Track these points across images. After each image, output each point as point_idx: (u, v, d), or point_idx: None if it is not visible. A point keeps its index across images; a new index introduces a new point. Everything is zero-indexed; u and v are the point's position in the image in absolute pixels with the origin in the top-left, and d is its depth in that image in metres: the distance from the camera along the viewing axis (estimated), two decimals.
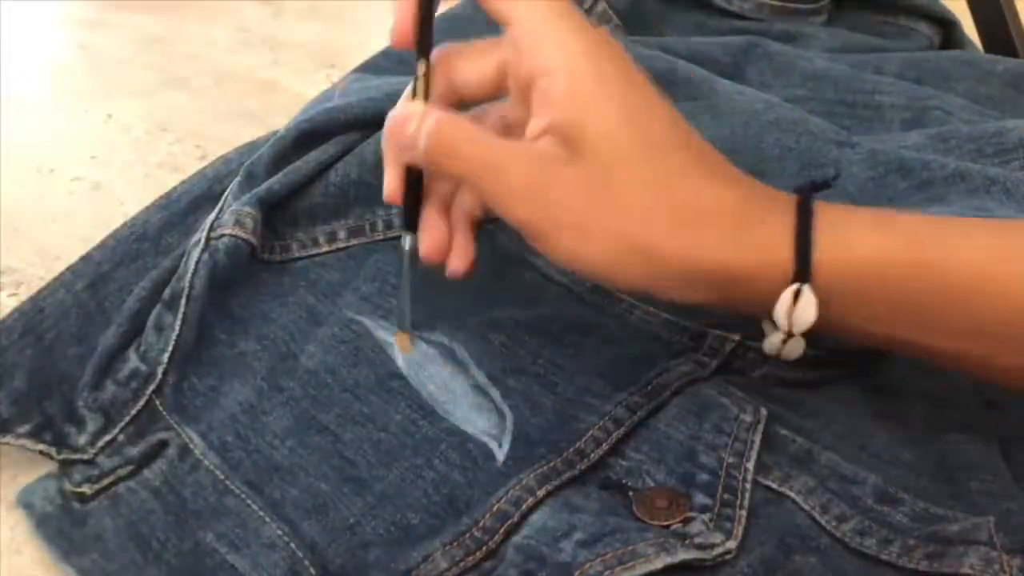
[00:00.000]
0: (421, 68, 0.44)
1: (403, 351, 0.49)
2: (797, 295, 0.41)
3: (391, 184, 0.46)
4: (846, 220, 0.41)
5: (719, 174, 0.42)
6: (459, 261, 0.46)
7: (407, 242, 0.46)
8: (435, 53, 0.44)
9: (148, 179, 0.66)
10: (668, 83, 0.59)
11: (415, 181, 0.45)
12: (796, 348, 0.44)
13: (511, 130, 0.44)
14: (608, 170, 0.41)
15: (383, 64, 0.69)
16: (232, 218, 0.52)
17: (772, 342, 0.44)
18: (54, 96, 0.79)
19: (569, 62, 0.41)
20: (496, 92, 0.44)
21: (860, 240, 0.41)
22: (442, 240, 0.46)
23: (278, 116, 0.63)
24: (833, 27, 0.75)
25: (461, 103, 0.45)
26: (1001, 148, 0.55)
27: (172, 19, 0.90)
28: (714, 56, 0.68)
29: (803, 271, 0.40)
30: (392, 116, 0.44)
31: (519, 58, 0.42)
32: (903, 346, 0.43)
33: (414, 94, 0.44)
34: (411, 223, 0.46)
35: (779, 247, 0.41)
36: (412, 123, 0.42)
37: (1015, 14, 0.84)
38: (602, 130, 0.40)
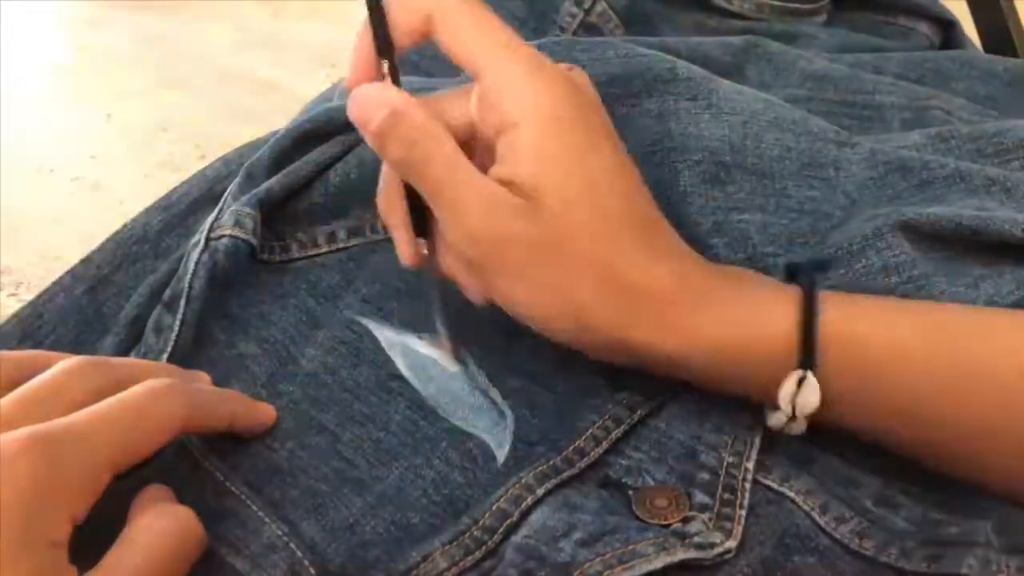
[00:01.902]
0: (384, 66, 0.43)
1: (449, 361, 0.48)
2: (801, 381, 0.41)
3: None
4: (849, 313, 0.41)
5: (668, 258, 0.43)
6: None
7: (425, 250, 0.46)
8: (420, 101, 0.43)
9: (148, 179, 0.66)
10: (667, 83, 0.58)
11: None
12: (799, 428, 0.43)
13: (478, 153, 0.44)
14: (560, 235, 0.41)
15: None
16: (232, 218, 0.52)
17: (775, 420, 0.43)
18: (54, 96, 0.79)
19: (536, 119, 0.41)
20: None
21: (867, 329, 0.41)
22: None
23: (278, 116, 0.63)
24: (833, 27, 0.75)
25: None
26: (1001, 148, 0.55)
27: (172, 19, 0.90)
28: (714, 56, 0.68)
29: (809, 359, 0.40)
30: (362, 95, 0.43)
31: (487, 109, 0.42)
32: (912, 445, 0.42)
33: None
34: (421, 228, 0.45)
35: (766, 324, 0.41)
36: (381, 113, 0.42)
37: (1015, 14, 0.84)
38: (561, 197, 0.41)
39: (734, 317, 0.42)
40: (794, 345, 0.40)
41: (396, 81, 0.43)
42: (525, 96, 0.41)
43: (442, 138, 0.42)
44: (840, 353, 0.40)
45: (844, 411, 0.42)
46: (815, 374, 0.40)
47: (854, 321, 0.41)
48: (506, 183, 0.41)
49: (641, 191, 0.44)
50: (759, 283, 0.44)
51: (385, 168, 0.46)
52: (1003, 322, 0.42)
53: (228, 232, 0.52)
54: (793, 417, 0.42)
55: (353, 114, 0.43)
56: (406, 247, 0.46)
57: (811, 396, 0.41)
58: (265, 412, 0.46)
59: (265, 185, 0.54)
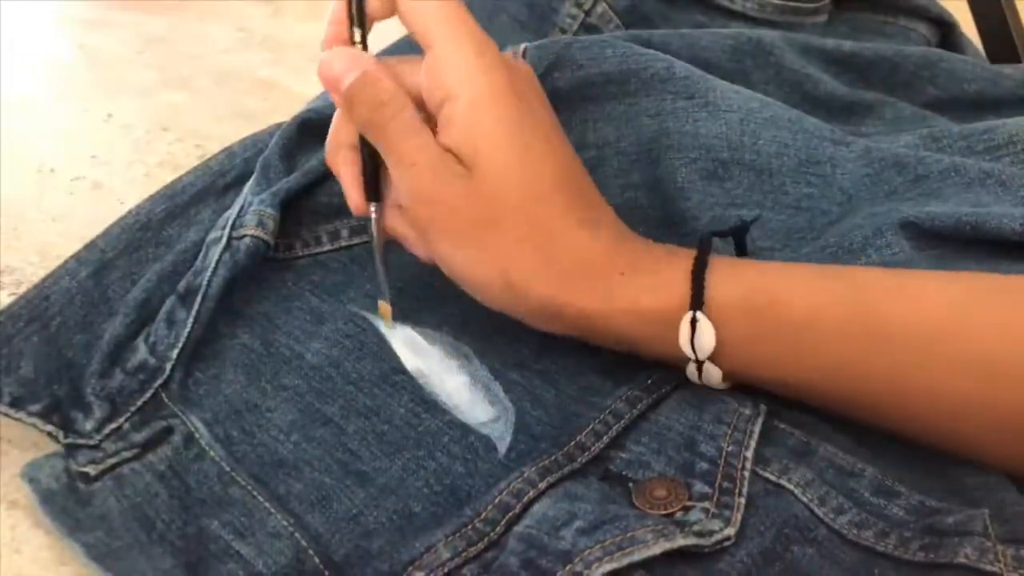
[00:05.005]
0: (357, 34, 0.47)
1: (385, 321, 0.50)
2: (693, 325, 0.43)
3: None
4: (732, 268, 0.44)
5: (597, 226, 0.45)
6: None
7: (373, 211, 0.48)
8: (384, 67, 0.46)
9: (148, 179, 0.66)
10: (665, 82, 0.59)
11: (372, 150, 0.47)
12: (714, 374, 0.45)
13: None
14: (495, 202, 0.44)
15: None
16: (255, 219, 0.52)
17: (690, 372, 0.45)
18: (54, 96, 0.79)
19: (473, 93, 0.44)
20: None
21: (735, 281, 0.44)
22: None
23: (278, 116, 0.63)
24: (833, 27, 0.76)
25: None
26: (991, 144, 0.55)
27: (172, 19, 0.90)
28: (716, 58, 0.68)
29: (697, 299, 0.43)
30: (336, 57, 0.46)
31: (432, 80, 0.45)
32: (836, 403, 0.44)
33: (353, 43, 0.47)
34: (375, 192, 0.48)
35: (658, 291, 0.44)
36: (353, 74, 0.45)
37: (1015, 14, 0.84)
38: (494, 166, 0.44)
39: (652, 282, 0.44)
40: (687, 291, 0.43)
41: (366, 48, 0.47)
42: (465, 71, 0.44)
43: (406, 103, 0.45)
44: (732, 294, 0.43)
45: (752, 365, 0.44)
46: (704, 314, 0.43)
47: (744, 273, 0.44)
48: (447, 150, 0.44)
49: (574, 163, 0.46)
50: (669, 248, 0.46)
51: (337, 127, 0.49)
52: (914, 284, 0.44)
53: (251, 232, 0.52)
54: (699, 361, 0.44)
55: (325, 73, 0.46)
56: (357, 197, 0.49)
57: (706, 335, 0.43)
58: None
59: (286, 184, 0.54)
